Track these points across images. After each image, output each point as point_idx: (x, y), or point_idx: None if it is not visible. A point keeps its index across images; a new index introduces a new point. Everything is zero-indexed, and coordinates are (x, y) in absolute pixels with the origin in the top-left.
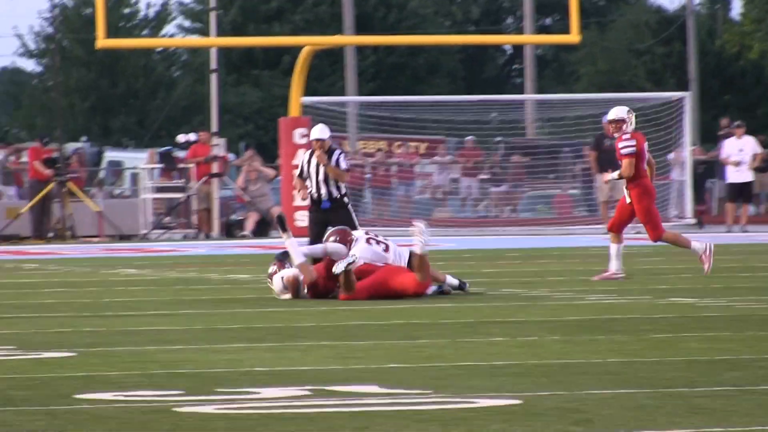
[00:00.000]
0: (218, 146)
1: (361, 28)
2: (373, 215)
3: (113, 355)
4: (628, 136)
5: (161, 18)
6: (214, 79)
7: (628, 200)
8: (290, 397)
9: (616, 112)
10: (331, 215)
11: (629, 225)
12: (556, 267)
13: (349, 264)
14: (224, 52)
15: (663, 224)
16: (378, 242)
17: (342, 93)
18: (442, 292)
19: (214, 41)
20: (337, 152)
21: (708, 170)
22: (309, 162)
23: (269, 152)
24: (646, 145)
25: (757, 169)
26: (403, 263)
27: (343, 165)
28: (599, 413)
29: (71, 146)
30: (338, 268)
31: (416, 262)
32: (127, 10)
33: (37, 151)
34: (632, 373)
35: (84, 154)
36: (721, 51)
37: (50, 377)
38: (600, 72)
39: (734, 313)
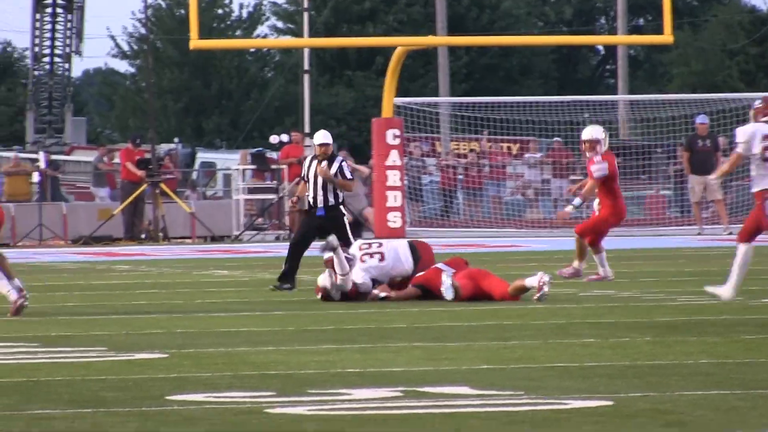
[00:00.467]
0: (310, 147)
1: (453, 29)
2: (464, 216)
3: (205, 356)
4: (599, 158)
5: (254, 19)
6: (306, 79)
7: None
8: (382, 398)
9: (592, 132)
10: (324, 222)
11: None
12: (648, 268)
13: (381, 299)
14: (317, 52)
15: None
16: (371, 255)
17: (434, 94)
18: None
19: (306, 42)
20: (338, 159)
21: None
22: (309, 166)
23: (362, 153)
24: (616, 163)
25: None
26: (404, 263)
27: (348, 174)
28: (691, 414)
29: (164, 147)
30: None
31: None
32: (220, 11)
33: (129, 152)
34: (724, 374)
35: (176, 156)
36: None
37: (142, 378)
38: (693, 72)
39: None
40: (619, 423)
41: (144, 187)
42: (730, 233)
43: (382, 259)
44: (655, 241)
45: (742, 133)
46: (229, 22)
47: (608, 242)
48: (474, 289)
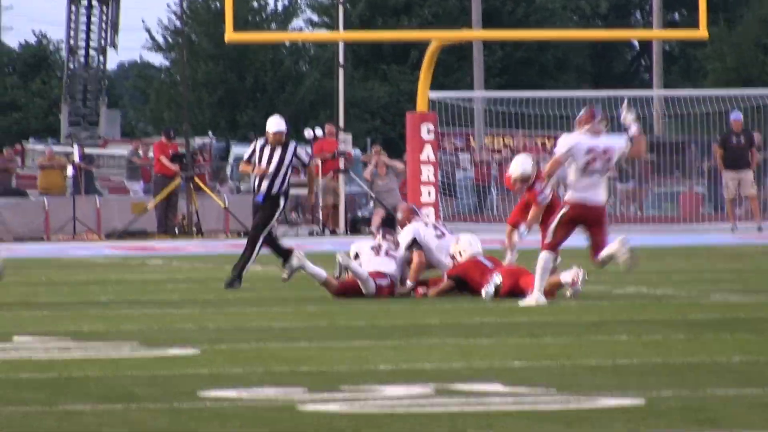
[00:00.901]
0: (344, 142)
1: (488, 23)
2: (498, 212)
3: (237, 352)
4: (541, 185)
5: (289, 12)
6: (340, 73)
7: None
8: (414, 395)
9: (522, 169)
10: (260, 209)
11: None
12: (682, 265)
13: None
14: (352, 46)
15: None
16: (387, 253)
17: (469, 88)
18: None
19: (341, 35)
20: (293, 144)
21: None
22: (262, 150)
23: (396, 147)
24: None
25: None
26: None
27: (305, 159)
28: (723, 412)
29: (198, 141)
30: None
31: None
32: (255, 4)
33: (162, 145)
34: (757, 372)
35: (210, 149)
36: None
37: (173, 374)
38: (727, 68)
39: None
40: (651, 421)
41: (178, 181)
42: (759, 229)
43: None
44: (688, 238)
45: (563, 143)
46: (264, 16)
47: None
48: (511, 286)
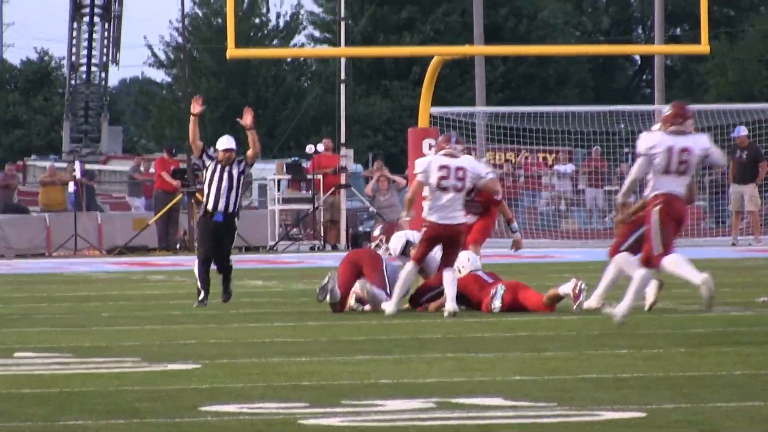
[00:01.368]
0: (345, 157)
1: (490, 38)
2: (499, 227)
3: (238, 367)
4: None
5: (291, 28)
6: (342, 89)
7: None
8: (415, 409)
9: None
10: (221, 229)
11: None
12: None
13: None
14: (354, 62)
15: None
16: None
17: (471, 103)
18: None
19: (343, 51)
20: (243, 160)
21: None
22: (214, 171)
23: (398, 163)
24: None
25: None
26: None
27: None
28: (724, 426)
29: None
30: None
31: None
32: (257, 20)
33: (164, 161)
34: (759, 385)
35: None
36: None
37: (175, 389)
38: (729, 83)
39: None
40: None
41: (180, 197)
42: (756, 241)
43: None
44: (690, 252)
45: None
46: (266, 32)
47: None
48: (511, 302)
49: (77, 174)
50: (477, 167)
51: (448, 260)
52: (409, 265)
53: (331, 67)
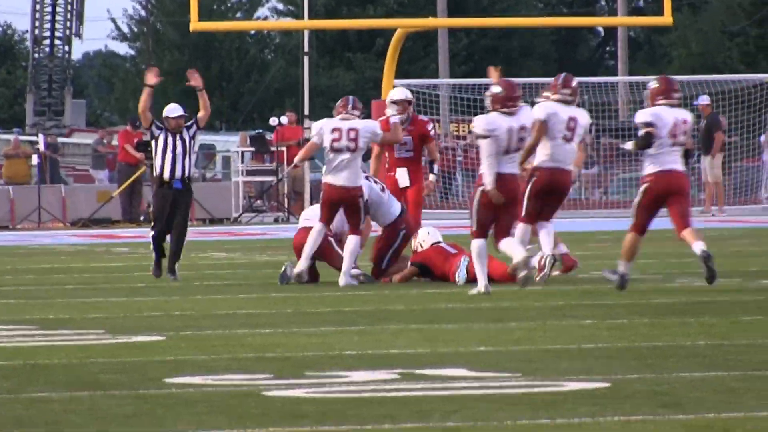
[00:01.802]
0: (309, 129)
1: (454, 11)
2: (464, 197)
3: (202, 338)
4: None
5: (254, 1)
6: (306, 61)
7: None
8: (380, 380)
9: (404, 93)
10: (181, 196)
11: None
12: (647, 249)
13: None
14: (317, 34)
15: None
16: (376, 182)
17: (434, 76)
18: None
19: (306, 24)
20: (192, 125)
21: None
22: (166, 139)
23: None
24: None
25: None
26: (394, 208)
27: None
28: (688, 396)
29: None
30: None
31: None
32: None
33: (127, 134)
34: (721, 356)
35: None
36: None
37: (139, 361)
38: (693, 54)
39: None
40: (616, 405)
41: (143, 169)
42: (713, 215)
43: (383, 190)
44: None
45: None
46: (229, 5)
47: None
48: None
49: (41, 147)
50: (370, 126)
51: (350, 223)
52: (317, 225)
53: (294, 39)
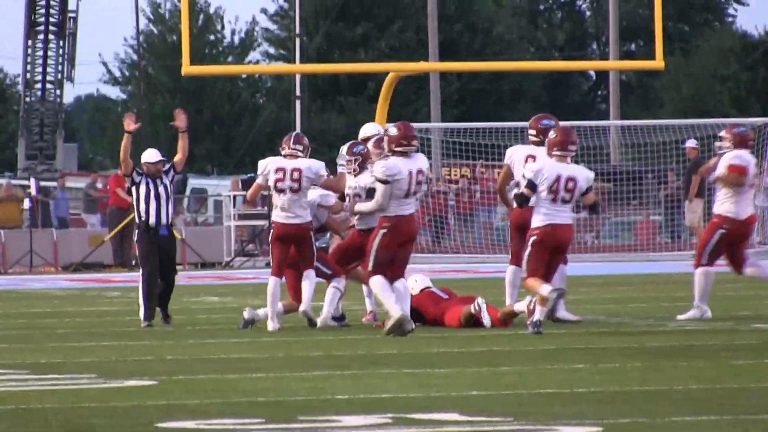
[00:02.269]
0: None
1: (445, 54)
2: (455, 241)
3: (195, 383)
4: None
5: (246, 45)
6: (297, 105)
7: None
8: (372, 425)
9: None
10: (167, 243)
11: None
12: (638, 294)
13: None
14: (309, 78)
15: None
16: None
17: (427, 119)
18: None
19: (298, 68)
20: (170, 170)
21: None
22: (148, 185)
23: None
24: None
25: None
26: None
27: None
28: None
29: None
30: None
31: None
32: (212, 37)
33: (118, 178)
34: (714, 400)
35: None
36: None
37: (132, 406)
38: (684, 98)
39: None
40: None
41: (132, 216)
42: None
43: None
44: (645, 267)
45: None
46: (221, 48)
47: (598, 268)
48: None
49: (32, 191)
50: (314, 166)
51: (302, 261)
52: (271, 281)
53: (286, 83)
